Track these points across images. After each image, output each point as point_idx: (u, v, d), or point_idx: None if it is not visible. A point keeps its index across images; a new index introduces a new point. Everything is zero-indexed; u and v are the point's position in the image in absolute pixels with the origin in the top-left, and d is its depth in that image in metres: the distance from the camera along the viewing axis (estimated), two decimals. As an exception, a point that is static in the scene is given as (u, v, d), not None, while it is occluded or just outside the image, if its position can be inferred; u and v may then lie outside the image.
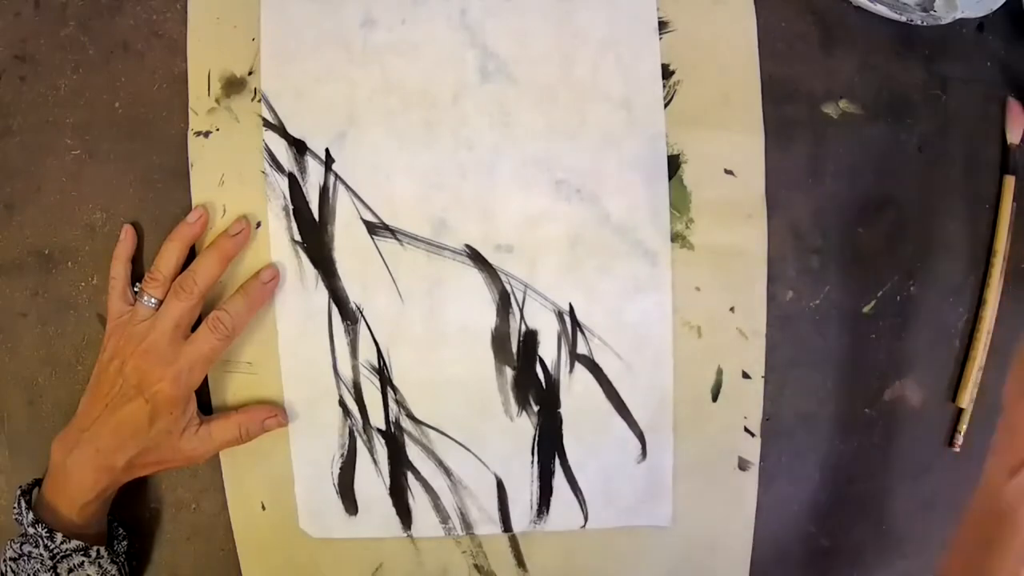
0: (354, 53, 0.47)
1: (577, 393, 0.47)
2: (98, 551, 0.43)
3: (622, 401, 0.47)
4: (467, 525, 0.48)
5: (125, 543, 0.46)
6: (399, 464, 0.47)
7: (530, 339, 0.47)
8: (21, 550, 0.42)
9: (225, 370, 0.47)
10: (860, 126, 0.48)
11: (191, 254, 0.45)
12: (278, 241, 0.46)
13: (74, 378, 0.48)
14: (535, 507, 0.48)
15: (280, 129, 0.46)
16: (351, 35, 0.47)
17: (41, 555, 0.41)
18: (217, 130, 0.47)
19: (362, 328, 0.47)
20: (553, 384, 0.47)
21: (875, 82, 0.48)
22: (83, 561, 0.42)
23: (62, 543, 0.42)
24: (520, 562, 0.48)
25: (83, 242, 0.47)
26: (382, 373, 0.47)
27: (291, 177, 0.46)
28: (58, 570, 0.42)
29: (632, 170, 0.47)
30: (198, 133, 0.47)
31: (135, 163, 0.47)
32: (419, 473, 0.47)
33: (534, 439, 0.47)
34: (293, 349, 0.47)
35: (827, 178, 0.48)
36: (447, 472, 0.47)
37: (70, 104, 0.47)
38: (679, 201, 0.47)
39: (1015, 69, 0.50)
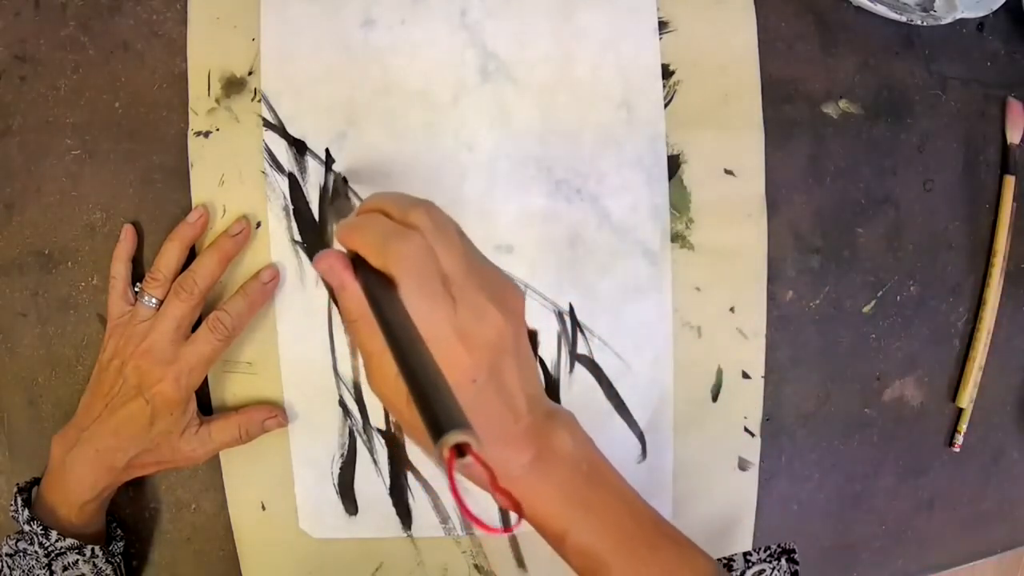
0: (354, 53, 0.47)
1: (577, 393, 0.47)
2: (93, 550, 0.43)
3: (622, 401, 0.47)
4: (467, 525, 0.48)
5: (122, 544, 0.46)
6: (399, 464, 0.47)
7: (530, 339, 0.47)
8: (16, 547, 0.42)
9: (225, 370, 0.47)
10: (860, 126, 0.48)
11: (191, 254, 0.45)
12: (278, 241, 0.46)
13: (74, 378, 0.48)
14: (535, 507, 0.47)
15: (280, 129, 0.46)
16: (351, 35, 0.47)
17: (36, 552, 0.41)
18: (217, 130, 0.47)
19: (362, 328, 0.47)
20: (553, 384, 0.47)
21: (875, 82, 0.48)
22: (77, 560, 0.42)
23: (57, 541, 0.42)
24: (520, 562, 0.48)
25: (83, 242, 0.47)
26: (382, 373, 0.47)
27: (291, 177, 0.46)
28: (53, 568, 0.42)
29: (632, 170, 0.47)
30: (198, 133, 0.47)
31: (135, 163, 0.47)
32: (419, 473, 0.47)
33: (534, 439, 0.47)
34: (293, 349, 0.47)
35: (827, 178, 0.48)
36: (447, 472, 0.47)
37: (70, 104, 0.47)
38: (679, 201, 0.47)
39: (1015, 69, 0.50)
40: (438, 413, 0.24)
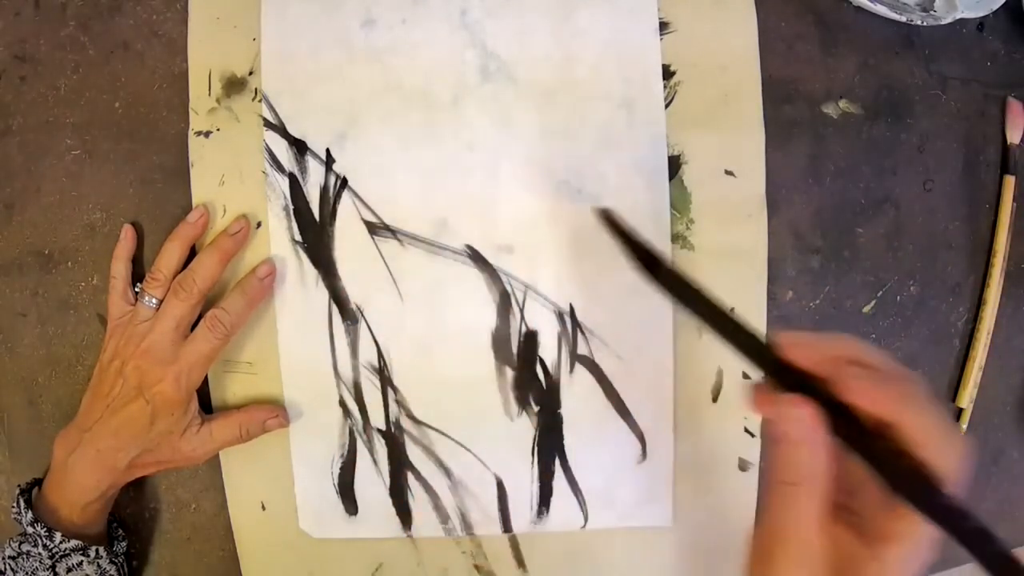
0: (354, 53, 0.47)
1: (577, 394, 0.47)
2: (97, 551, 0.43)
3: (622, 402, 0.47)
4: (467, 525, 0.48)
5: (124, 544, 0.47)
6: (399, 464, 0.47)
7: (530, 340, 0.47)
8: (20, 549, 0.42)
9: (225, 370, 0.47)
10: (860, 126, 0.48)
11: (192, 254, 0.45)
12: (278, 241, 0.46)
13: (74, 378, 0.48)
14: (535, 507, 0.48)
15: (281, 129, 0.46)
16: (351, 35, 0.47)
17: (40, 554, 0.41)
18: (218, 130, 0.47)
19: (362, 328, 0.47)
20: (553, 385, 0.47)
21: (875, 82, 0.48)
22: (81, 561, 0.42)
23: (60, 542, 0.42)
24: (520, 562, 0.48)
25: (83, 242, 0.47)
26: (382, 373, 0.47)
27: (291, 177, 0.46)
28: (56, 569, 0.42)
29: (633, 171, 0.47)
30: (198, 133, 0.47)
31: (135, 163, 0.47)
32: (419, 473, 0.47)
33: (534, 439, 0.47)
34: (293, 349, 0.47)
35: (827, 178, 0.48)
36: (447, 472, 0.47)
37: (70, 104, 0.47)
38: (679, 202, 0.47)
39: (1015, 69, 0.50)
40: None
